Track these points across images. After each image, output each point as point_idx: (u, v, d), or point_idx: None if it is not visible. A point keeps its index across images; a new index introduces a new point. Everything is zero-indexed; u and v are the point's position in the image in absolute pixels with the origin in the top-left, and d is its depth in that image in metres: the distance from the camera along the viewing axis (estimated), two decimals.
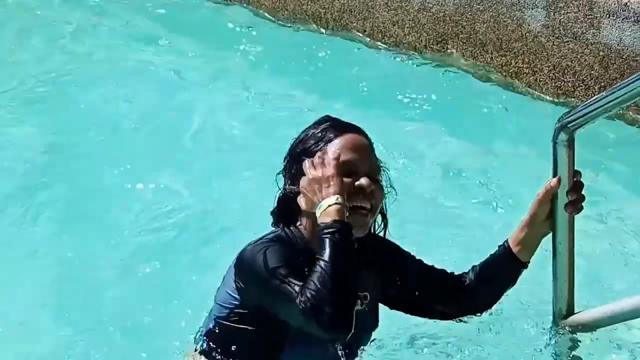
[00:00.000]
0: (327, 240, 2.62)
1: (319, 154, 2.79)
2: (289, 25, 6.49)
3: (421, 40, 5.98)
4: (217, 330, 2.89)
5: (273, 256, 2.70)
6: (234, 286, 2.82)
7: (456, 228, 4.26)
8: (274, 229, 2.89)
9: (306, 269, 2.61)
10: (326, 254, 2.59)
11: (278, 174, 2.92)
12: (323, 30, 6.37)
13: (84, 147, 5.00)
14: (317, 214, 2.69)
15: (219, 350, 2.88)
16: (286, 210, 2.86)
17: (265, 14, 6.63)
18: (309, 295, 2.54)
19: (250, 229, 3.02)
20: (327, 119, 2.91)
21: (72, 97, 5.53)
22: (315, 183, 2.72)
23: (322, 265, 2.57)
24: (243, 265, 2.79)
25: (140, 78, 5.73)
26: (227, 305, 2.85)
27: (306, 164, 2.78)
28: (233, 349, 2.85)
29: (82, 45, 6.23)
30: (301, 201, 2.78)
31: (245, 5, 6.74)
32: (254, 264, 2.72)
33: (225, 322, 2.86)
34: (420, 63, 5.89)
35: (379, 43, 6.14)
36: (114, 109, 5.39)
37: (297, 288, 2.58)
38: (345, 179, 2.74)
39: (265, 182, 3.02)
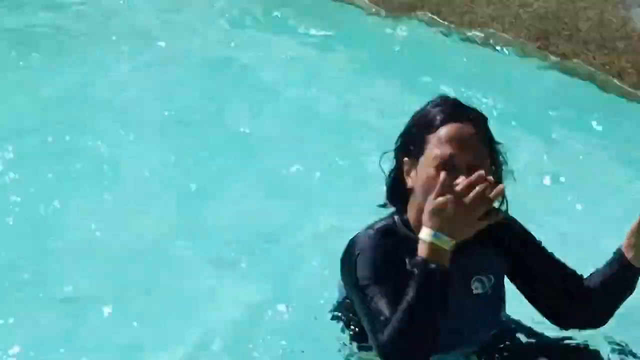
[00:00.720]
0: (417, 277, 2.57)
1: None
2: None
3: (521, 37, 5.88)
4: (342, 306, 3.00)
5: (364, 265, 2.71)
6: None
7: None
8: (387, 213, 2.88)
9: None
10: (412, 292, 2.56)
11: (385, 153, 2.88)
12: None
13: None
14: (424, 216, 2.62)
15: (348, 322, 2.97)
16: (396, 191, 2.84)
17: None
18: (386, 337, 2.56)
19: None
20: (441, 101, 2.82)
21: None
22: (424, 190, 2.70)
23: (405, 307, 2.56)
24: (342, 259, 2.83)
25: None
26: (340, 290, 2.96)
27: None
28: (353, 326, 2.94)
29: None
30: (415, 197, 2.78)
31: None
32: (346, 265, 2.79)
33: (345, 302, 2.94)
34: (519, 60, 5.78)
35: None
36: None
37: (377, 322, 2.60)
38: (443, 174, 2.67)
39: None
